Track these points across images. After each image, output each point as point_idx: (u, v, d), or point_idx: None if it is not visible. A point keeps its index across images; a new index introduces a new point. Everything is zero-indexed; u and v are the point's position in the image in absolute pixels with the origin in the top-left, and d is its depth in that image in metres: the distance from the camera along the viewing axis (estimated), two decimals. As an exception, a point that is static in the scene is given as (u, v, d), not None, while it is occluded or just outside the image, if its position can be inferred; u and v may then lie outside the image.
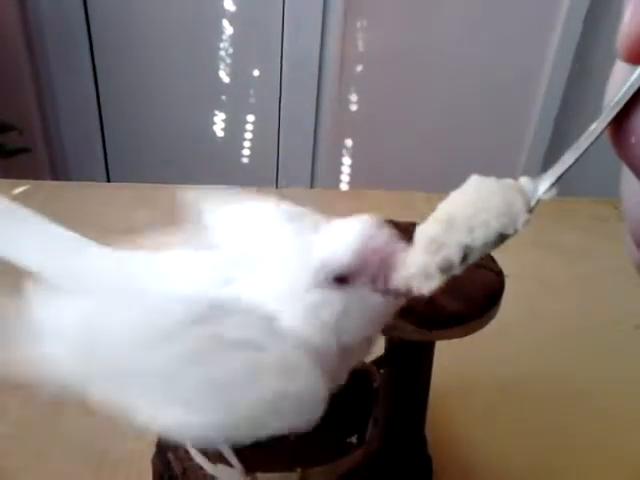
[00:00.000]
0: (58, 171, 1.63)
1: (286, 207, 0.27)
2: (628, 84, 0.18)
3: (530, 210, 0.23)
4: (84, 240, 0.30)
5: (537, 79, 1.56)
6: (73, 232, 0.30)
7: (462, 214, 0.24)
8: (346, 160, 1.67)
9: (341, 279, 0.25)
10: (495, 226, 0.23)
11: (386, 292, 0.24)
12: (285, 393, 0.24)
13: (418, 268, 0.24)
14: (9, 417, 0.50)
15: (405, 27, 1.49)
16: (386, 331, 0.36)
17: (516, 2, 1.46)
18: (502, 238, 0.23)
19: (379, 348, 0.41)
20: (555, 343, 0.60)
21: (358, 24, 1.49)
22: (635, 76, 0.18)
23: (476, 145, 1.60)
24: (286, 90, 1.55)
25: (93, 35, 1.48)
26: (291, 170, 1.65)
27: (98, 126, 1.59)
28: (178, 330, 0.24)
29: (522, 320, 0.61)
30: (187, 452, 0.32)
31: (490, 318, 0.37)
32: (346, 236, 0.25)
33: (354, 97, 1.58)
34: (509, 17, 1.48)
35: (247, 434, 0.24)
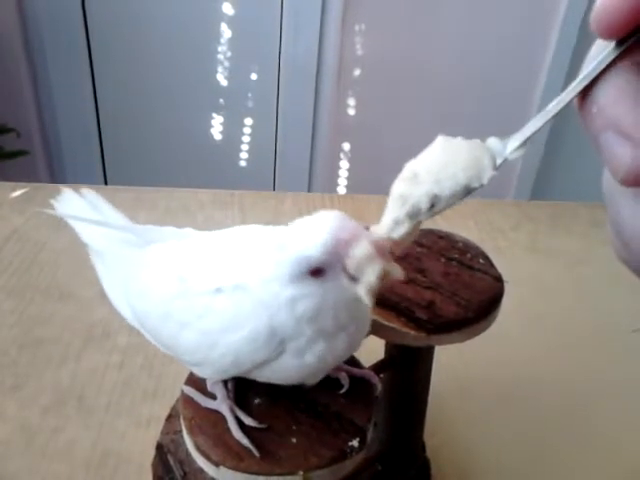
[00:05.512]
0: (56, 174, 1.63)
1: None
2: (599, 59, 0.19)
3: (496, 168, 0.25)
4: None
5: (536, 81, 1.57)
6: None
7: (429, 168, 0.26)
8: (344, 164, 1.67)
9: (316, 272, 0.26)
10: (462, 178, 0.25)
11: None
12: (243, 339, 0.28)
13: (389, 220, 0.26)
14: (9, 419, 0.50)
15: (403, 31, 1.49)
16: (386, 336, 0.37)
17: (514, 6, 1.47)
18: (468, 191, 0.25)
19: (379, 353, 0.41)
20: (553, 347, 0.61)
21: (356, 28, 1.49)
22: (605, 53, 0.19)
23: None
24: (284, 94, 1.55)
25: (91, 38, 1.49)
26: (289, 174, 1.65)
27: (96, 129, 1.59)
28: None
29: (521, 325, 0.61)
30: (188, 455, 0.32)
31: (489, 323, 0.37)
32: (318, 230, 0.26)
33: (352, 101, 1.59)
34: (507, 21, 1.48)
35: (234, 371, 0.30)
